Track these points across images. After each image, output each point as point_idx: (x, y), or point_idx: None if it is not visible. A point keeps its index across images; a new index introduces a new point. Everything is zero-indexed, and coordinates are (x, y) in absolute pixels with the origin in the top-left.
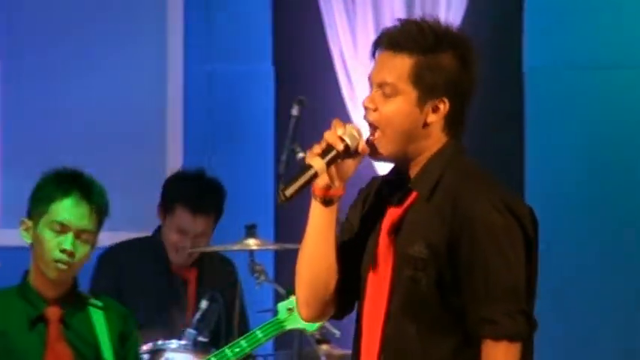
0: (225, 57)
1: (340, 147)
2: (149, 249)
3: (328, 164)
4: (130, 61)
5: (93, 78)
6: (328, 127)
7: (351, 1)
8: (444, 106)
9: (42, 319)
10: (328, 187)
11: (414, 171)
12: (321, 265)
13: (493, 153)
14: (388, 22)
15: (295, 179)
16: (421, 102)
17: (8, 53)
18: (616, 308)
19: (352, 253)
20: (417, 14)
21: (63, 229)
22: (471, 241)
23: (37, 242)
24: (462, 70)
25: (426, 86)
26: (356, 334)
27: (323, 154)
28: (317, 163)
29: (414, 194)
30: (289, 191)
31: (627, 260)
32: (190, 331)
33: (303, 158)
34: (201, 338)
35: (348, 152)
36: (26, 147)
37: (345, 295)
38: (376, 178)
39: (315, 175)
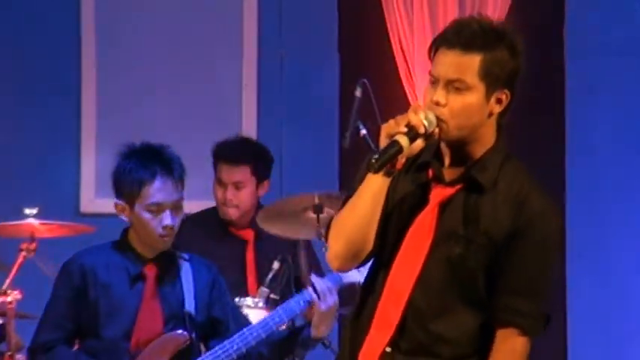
0: (296, 44)
1: (422, 130)
2: (213, 217)
3: (410, 142)
4: (209, 52)
5: (176, 61)
6: (387, 107)
7: None
8: (505, 97)
9: (140, 277)
10: (395, 162)
11: (472, 156)
12: (368, 227)
13: (537, 131)
14: (441, 13)
15: (384, 152)
16: (488, 95)
17: (102, 40)
18: None
19: (387, 216)
20: (469, 4)
21: (159, 208)
22: (529, 241)
23: (137, 222)
24: (517, 62)
25: (492, 80)
26: (370, 290)
27: (407, 134)
28: (403, 141)
29: (472, 180)
30: (380, 162)
31: None
32: (264, 289)
33: (365, 135)
34: (272, 296)
35: (425, 134)
36: (117, 126)
37: (371, 253)
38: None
39: (401, 150)
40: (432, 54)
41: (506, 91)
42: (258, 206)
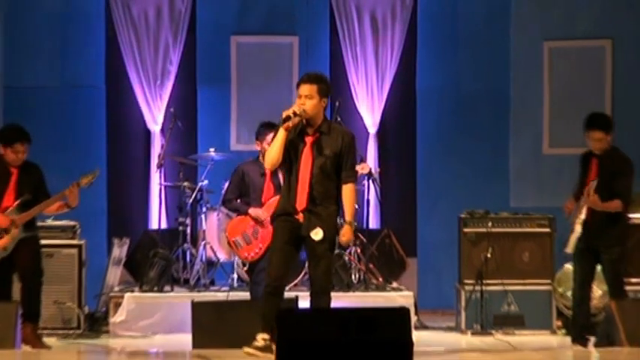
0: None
1: (298, 111)
2: None
3: (294, 116)
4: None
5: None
6: (347, 114)
7: (361, 57)
8: (325, 101)
9: (264, 174)
10: (289, 126)
11: (317, 124)
12: (279, 152)
13: (397, 138)
14: (375, 66)
15: (285, 118)
16: (320, 100)
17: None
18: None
19: (289, 148)
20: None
21: (268, 143)
22: (346, 149)
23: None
24: (328, 88)
25: (321, 95)
26: (293, 185)
27: (293, 113)
28: (292, 114)
29: (319, 131)
30: (284, 121)
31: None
32: None
33: (340, 122)
34: None
35: (299, 114)
36: (249, 110)
37: (281, 163)
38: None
39: (289, 118)
40: (298, 86)
41: (325, 98)
42: None
